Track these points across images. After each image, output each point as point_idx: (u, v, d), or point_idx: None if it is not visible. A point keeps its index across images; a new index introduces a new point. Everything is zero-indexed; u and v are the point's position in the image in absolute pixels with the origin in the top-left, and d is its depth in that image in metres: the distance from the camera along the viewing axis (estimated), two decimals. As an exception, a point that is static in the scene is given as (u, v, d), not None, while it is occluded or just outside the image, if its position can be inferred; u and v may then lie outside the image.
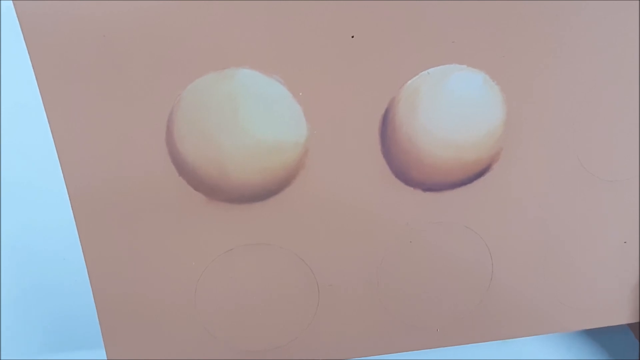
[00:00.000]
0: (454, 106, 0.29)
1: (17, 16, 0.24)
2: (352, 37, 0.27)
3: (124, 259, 0.30)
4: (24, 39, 0.25)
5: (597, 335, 0.43)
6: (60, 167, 0.27)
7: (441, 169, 0.30)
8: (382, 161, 0.30)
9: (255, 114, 0.28)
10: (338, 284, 0.32)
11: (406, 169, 0.30)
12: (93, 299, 0.30)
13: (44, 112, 0.26)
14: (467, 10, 0.27)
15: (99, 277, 0.30)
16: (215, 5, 0.26)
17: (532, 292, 0.34)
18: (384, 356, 0.35)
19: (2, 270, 0.37)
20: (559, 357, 0.43)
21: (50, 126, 0.27)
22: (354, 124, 0.29)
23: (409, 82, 0.28)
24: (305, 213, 0.30)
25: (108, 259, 0.30)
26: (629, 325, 0.39)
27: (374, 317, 0.33)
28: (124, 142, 0.27)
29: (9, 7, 0.31)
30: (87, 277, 0.30)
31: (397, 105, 0.29)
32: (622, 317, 0.35)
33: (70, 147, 0.27)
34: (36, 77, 0.26)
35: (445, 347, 0.35)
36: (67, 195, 0.28)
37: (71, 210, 0.28)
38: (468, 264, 0.33)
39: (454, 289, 0.33)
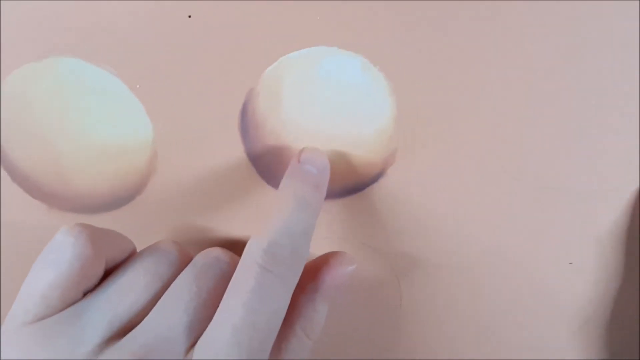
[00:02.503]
0: (328, 98, 0.24)
1: None
2: (189, 16, 0.23)
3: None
4: None
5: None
6: None
7: (322, 173, 0.25)
8: (248, 164, 0.25)
9: (88, 111, 0.24)
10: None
11: (278, 173, 0.25)
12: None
13: None
14: (330, -21, 0.22)
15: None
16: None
17: (453, 320, 0.28)
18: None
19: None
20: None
21: None
22: (207, 121, 0.24)
23: (268, 69, 0.24)
24: (159, 223, 0.26)
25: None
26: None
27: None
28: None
29: None
30: None
31: (256, 97, 0.24)
32: (569, 353, 0.28)
33: None
34: None
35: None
36: None
37: None
38: (370, 288, 0.28)
39: (354, 318, 0.28)
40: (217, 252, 0.22)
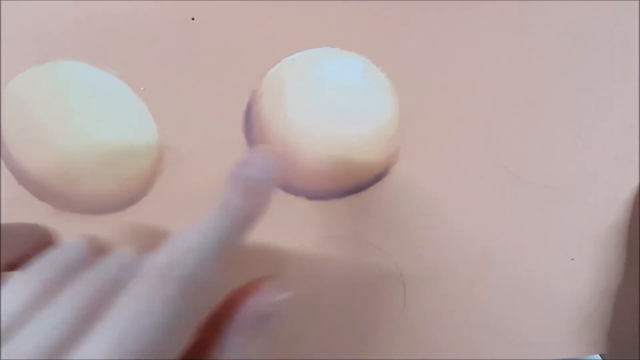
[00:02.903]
0: (331, 98, 0.24)
1: None
2: (193, 19, 0.23)
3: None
4: None
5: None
6: None
7: (325, 173, 0.26)
8: (252, 165, 0.25)
9: (93, 114, 0.24)
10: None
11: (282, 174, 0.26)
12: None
13: None
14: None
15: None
16: (30, -11, 0.22)
17: (457, 319, 0.28)
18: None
19: None
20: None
21: None
22: (211, 122, 0.25)
23: (271, 71, 0.24)
24: (164, 225, 0.26)
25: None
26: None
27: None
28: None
29: None
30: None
31: (260, 98, 0.24)
32: (570, 350, 0.29)
33: None
34: None
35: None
36: None
37: None
38: (373, 285, 0.28)
39: (359, 316, 0.28)
40: (124, 256, 0.19)
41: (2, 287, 0.17)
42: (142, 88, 0.24)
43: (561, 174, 0.26)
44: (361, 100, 0.24)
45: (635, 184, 0.26)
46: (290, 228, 0.27)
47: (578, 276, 0.28)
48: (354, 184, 0.26)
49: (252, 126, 0.25)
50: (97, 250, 0.20)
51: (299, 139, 0.25)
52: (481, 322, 0.28)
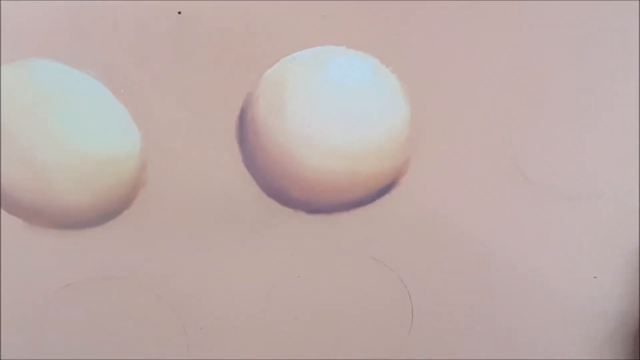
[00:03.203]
0: (336, 102, 0.22)
1: None
2: (179, 12, 0.20)
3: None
4: None
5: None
6: None
7: (329, 185, 0.23)
8: (247, 175, 0.23)
9: (68, 119, 0.21)
10: (209, 326, 0.26)
11: (280, 185, 0.23)
12: None
13: None
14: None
15: None
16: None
17: (466, 341, 0.26)
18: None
19: None
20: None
21: None
22: (201, 128, 0.22)
23: (269, 71, 0.21)
24: (148, 241, 0.24)
25: None
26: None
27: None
28: None
29: None
30: None
31: (256, 102, 0.22)
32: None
33: None
34: None
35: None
36: None
37: None
38: (379, 304, 0.26)
39: (361, 340, 0.26)
40: None
41: None
42: (122, 90, 0.21)
43: (584, 185, 0.24)
44: (368, 105, 0.22)
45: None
46: (287, 244, 0.24)
47: (602, 292, 0.25)
48: (359, 197, 0.24)
49: (246, 132, 0.22)
50: None
51: (298, 146, 0.22)
52: (499, 343, 0.26)
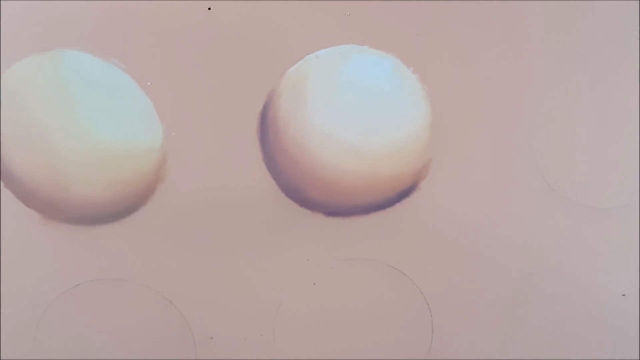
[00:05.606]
0: (356, 102, 0.22)
1: None
2: (209, 9, 0.21)
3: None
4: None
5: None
6: None
7: (348, 186, 0.23)
8: (266, 174, 0.23)
9: (93, 110, 0.22)
10: (219, 336, 0.25)
11: (299, 185, 0.23)
12: None
13: None
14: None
15: None
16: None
17: (491, 355, 0.25)
18: None
19: None
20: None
21: None
22: (223, 125, 0.22)
23: (292, 68, 0.22)
24: (165, 239, 0.23)
25: None
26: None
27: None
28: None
29: None
30: None
31: (278, 99, 0.22)
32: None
33: None
34: None
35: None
36: None
37: None
38: (397, 315, 0.25)
39: (376, 353, 0.25)
40: None
41: None
42: (149, 83, 0.22)
43: (610, 195, 0.23)
44: (389, 106, 0.22)
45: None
46: (304, 248, 0.24)
47: (631, 310, 0.24)
48: (378, 200, 0.23)
49: (267, 130, 0.22)
50: None
51: (319, 146, 0.22)
52: (516, 352, 0.25)
